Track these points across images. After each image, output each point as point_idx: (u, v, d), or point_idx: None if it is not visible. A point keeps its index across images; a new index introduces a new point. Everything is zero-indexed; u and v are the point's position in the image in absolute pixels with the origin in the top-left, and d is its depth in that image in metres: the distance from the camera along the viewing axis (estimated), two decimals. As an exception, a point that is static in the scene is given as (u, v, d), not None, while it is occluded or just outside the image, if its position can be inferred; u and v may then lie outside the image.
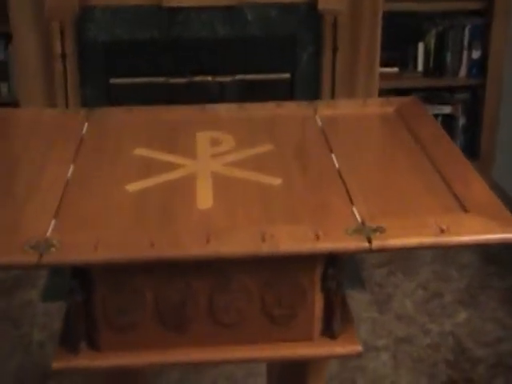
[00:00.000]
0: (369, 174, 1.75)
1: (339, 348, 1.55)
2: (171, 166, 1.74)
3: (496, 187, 3.76)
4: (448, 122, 3.94)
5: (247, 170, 1.73)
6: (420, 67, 3.92)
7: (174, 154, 1.80)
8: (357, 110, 2.08)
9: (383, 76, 3.60)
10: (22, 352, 2.91)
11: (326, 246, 1.42)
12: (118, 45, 3.37)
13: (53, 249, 1.39)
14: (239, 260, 1.44)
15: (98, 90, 3.39)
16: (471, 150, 3.98)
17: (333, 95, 3.42)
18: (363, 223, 1.47)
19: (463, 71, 3.92)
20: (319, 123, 1.97)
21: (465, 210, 1.53)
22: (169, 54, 3.41)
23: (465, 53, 3.89)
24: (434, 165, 1.73)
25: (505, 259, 3.50)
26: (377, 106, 2.10)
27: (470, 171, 1.71)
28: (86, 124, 1.96)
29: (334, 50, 3.37)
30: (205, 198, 1.60)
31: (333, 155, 1.79)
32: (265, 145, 1.85)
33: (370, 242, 1.42)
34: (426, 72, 3.92)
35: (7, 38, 3.50)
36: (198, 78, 3.45)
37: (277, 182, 1.67)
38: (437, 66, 3.91)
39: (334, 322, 1.54)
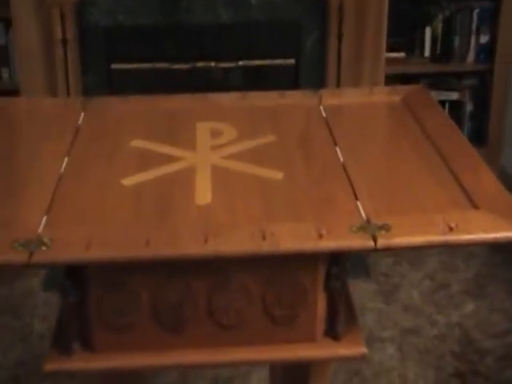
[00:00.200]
0: (374, 167, 1.69)
1: (343, 349, 1.50)
2: (169, 159, 1.68)
3: (504, 174, 3.72)
4: (455, 108, 3.88)
5: (248, 163, 1.67)
6: (427, 52, 3.86)
7: (172, 145, 1.74)
8: (362, 99, 2.01)
9: (389, 61, 3.53)
10: (23, 343, 2.89)
11: (328, 244, 1.36)
12: (119, 30, 3.31)
13: (44, 247, 1.33)
14: (239, 259, 1.39)
15: (99, 75, 3.34)
16: (479, 136, 3.93)
17: (338, 81, 3.36)
18: (368, 220, 1.41)
19: (471, 56, 3.86)
20: (323, 113, 1.91)
21: (474, 204, 1.47)
22: (171, 40, 3.36)
23: (473, 37, 3.83)
24: (441, 157, 1.68)
25: (513, 249, 3.46)
26: (383, 95, 2.04)
27: (479, 163, 1.65)
28: (83, 114, 1.91)
29: (340, 35, 3.30)
30: (204, 192, 1.54)
31: (337, 148, 1.73)
32: (267, 136, 1.79)
33: (375, 240, 1.36)
34: (433, 57, 3.86)
35: (7, 22, 3.45)
36: (200, 64, 3.39)
37: (278, 175, 1.61)
38: (444, 51, 3.84)
39: (338, 322, 1.49)
